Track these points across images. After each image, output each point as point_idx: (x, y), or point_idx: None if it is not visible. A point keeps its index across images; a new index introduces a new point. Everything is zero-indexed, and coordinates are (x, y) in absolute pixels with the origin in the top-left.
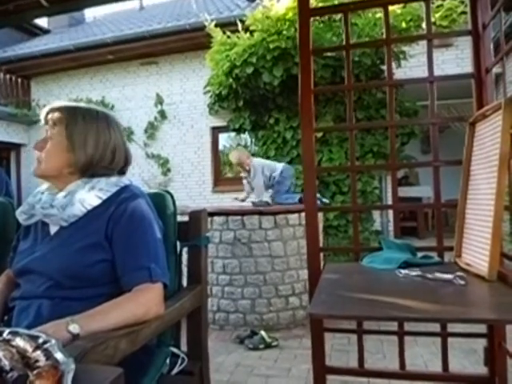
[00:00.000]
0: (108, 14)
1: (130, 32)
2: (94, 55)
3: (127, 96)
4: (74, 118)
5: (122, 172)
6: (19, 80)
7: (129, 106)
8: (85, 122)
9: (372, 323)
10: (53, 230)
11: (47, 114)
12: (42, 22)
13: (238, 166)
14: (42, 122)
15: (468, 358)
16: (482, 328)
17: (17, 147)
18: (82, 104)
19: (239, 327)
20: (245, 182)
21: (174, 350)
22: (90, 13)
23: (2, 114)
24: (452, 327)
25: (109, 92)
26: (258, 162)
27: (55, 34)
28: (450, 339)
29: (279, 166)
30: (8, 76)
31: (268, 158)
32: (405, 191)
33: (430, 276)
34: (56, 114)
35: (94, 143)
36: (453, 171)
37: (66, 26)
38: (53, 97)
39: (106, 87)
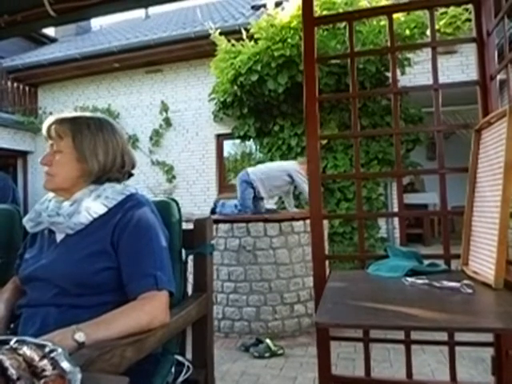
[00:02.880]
0: (114, 22)
1: (136, 40)
2: (100, 63)
3: (133, 104)
4: (79, 128)
5: (130, 174)
6: (26, 88)
7: (134, 113)
8: (90, 131)
9: (378, 331)
10: (59, 237)
11: (49, 127)
12: (49, 31)
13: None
14: (45, 136)
15: (476, 366)
16: (489, 337)
17: (23, 155)
18: (83, 113)
19: (244, 335)
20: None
21: (180, 358)
22: (97, 22)
23: (9, 121)
24: (459, 336)
25: (114, 100)
26: (260, 170)
27: (62, 42)
28: (457, 348)
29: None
30: (16, 84)
31: None
32: (410, 198)
33: (436, 284)
34: (60, 127)
35: (104, 150)
36: (459, 177)
37: (73, 35)
38: (59, 105)
39: (111, 95)
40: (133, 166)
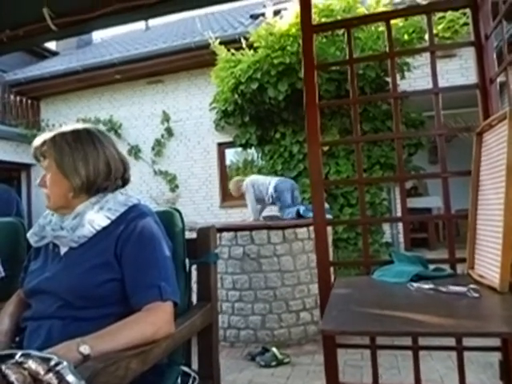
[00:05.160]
0: (115, 35)
1: (137, 52)
2: (101, 75)
3: (134, 114)
4: (59, 146)
5: (125, 179)
6: (29, 101)
7: (136, 124)
8: (70, 147)
9: (385, 338)
10: (63, 250)
11: (35, 151)
12: (51, 44)
13: (241, 195)
14: (35, 160)
15: (485, 371)
16: (497, 341)
17: (27, 167)
18: (61, 129)
19: (250, 344)
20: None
21: (185, 368)
22: (98, 35)
23: (12, 134)
24: (467, 341)
25: (116, 111)
26: (249, 179)
27: (64, 55)
28: (466, 353)
29: (272, 181)
30: (18, 98)
31: (275, 172)
32: (414, 202)
33: (442, 289)
34: (43, 148)
35: (84, 163)
36: (462, 180)
37: (74, 48)
38: (62, 117)
39: (113, 106)
40: (125, 171)
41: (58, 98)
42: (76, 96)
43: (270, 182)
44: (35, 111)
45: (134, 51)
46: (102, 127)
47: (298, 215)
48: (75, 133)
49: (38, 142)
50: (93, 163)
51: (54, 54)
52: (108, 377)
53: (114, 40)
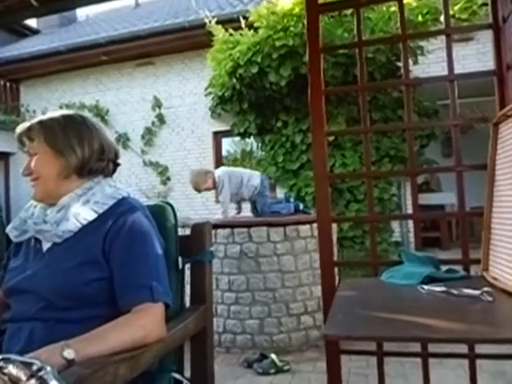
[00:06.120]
0: (101, 12)
1: (125, 31)
2: (86, 57)
3: (122, 100)
4: (49, 126)
5: (115, 164)
6: (7, 84)
7: (124, 110)
8: (60, 127)
9: (393, 344)
10: (45, 246)
11: (20, 135)
12: (31, 21)
13: (201, 191)
14: (19, 146)
15: (495, 381)
16: (510, 348)
17: (5, 156)
18: (48, 115)
19: (247, 350)
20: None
21: (177, 375)
22: (82, 11)
23: None
24: (479, 348)
25: (103, 96)
26: (224, 171)
27: (45, 34)
28: (478, 361)
29: (255, 174)
30: None
31: (276, 164)
32: (426, 198)
33: (455, 292)
34: (29, 131)
35: (78, 140)
36: (478, 174)
37: (57, 26)
38: (43, 102)
39: (99, 90)
40: (116, 155)
41: (38, 81)
42: (59, 79)
43: (250, 176)
44: (14, 95)
45: (123, 30)
46: (87, 113)
47: (296, 211)
48: (66, 115)
49: (24, 125)
50: (87, 141)
51: (35, 32)
52: (95, 383)
53: (100, 18)
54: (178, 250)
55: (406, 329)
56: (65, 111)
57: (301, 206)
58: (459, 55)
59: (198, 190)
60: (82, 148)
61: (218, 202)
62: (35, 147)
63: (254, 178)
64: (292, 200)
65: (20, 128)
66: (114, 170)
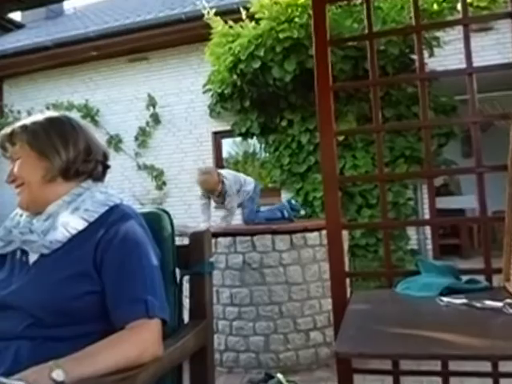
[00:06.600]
0: (90, 4)
1: (116, 24)
2: (75, 52)
3: (114, 98)
4: (31, 130)
5: (105, 167)
6: None
7: (116, 109)
8: (44, 129)
9: (410, 362)
10: (32, 258)
11: (1, 141)
12: (16, 15)
13: (213, 192)
14: (1, 152)
15: None
16: None
17: None
18: (30, 118)
19: (251, 369)
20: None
21: None
22: (70, 4)
23: None
24: (504, 365)
25: (93, 94)
26: (229, 173)
27: (30, 28)
28: (502, 380)
29: (249, 179)
30: None
31: (281, 166)
32: (444, 202)
33: (477, 304)
34: (12, 136)
35: (62, 141)
36: (501, 176)
37: (43, 20)
38: (29, 101)
39: (89, 89)
40: (105, 156)
41: (23, 79)
42: (45, 76)
43: (245, 181)
44: None
45: (114, 23)
46: (76, 114)
47: (283, 217)
48: (49, 117)
49: (6, 130)
50: (72, 141)
51: (19, 26)
52: None
53: (89, 10)
54: (176, 261)
55: (425, 345)
56: (49, 113)
57: (285, 213)
58: (478, 46)
59: (210, 192)
60: (67, 149)
61: (218, 207)
62: (18, 151)
63: (248, 183)
64: (299, 206)
65: (2, 133)
66: (104, 173)
